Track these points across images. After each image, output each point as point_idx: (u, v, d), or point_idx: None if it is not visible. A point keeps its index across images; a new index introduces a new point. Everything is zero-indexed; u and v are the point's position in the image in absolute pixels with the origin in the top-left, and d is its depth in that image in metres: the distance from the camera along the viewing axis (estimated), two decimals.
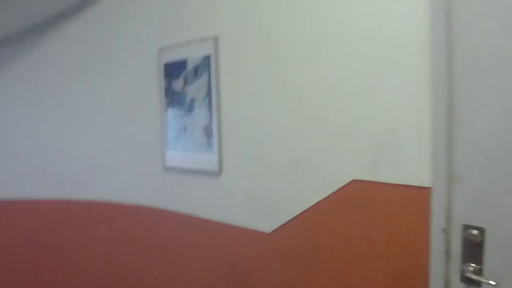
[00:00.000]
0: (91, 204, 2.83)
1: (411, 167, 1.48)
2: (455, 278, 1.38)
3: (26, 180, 2.92)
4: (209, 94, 2.17)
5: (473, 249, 1.34)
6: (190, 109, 2.31)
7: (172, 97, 2.42)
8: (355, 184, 1.64)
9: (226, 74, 2.11)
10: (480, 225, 1.33)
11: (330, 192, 1.71)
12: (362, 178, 1.61)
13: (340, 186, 1.68)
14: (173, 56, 2.38)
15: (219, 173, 2.14)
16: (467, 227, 1.35)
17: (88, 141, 2.83)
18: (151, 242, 2.62)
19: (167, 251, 2.53)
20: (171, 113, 2.42)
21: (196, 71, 2.25)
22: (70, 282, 2.93)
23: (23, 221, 2.95)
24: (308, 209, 1.79)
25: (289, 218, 1.86)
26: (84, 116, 2.84)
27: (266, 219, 1.95)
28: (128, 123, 2.68)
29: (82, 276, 2.90)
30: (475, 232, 1.33)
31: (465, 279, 1.36)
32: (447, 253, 1.39)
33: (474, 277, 1.33)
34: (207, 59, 2.18)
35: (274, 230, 1.92)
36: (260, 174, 1.98)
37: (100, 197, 2.80)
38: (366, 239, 1.60)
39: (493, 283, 1.28)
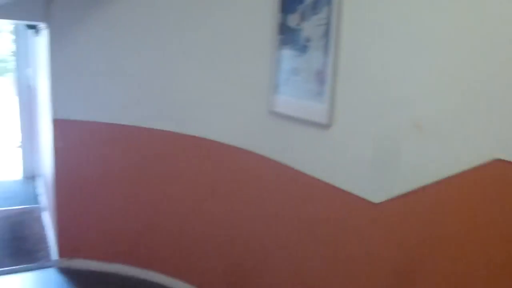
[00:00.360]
0: (195, 140, 2.80)
1: None
2: None
3: (138, 108, 2.97)
4: (327, 33, 1.86)
5: None
6: (303, 49, 2.03)
7: (286, 34, 2.15)
8: (498, 164, 1.25)
9: (350, 10, 1.76)
10: None
11: (463, 170, 1.35)
12: (509, 159, 1.22)
13: (478, 164, 1.30)
14: None
15: (328, 125, 1.88)
16: None
17: (197, 76, 2.74)
18: (249, 186, 2.51)
19: (263, 199, 2.40)
20: (283, 52, 2.17)
21: (315, 5, 1.93)
22: (166, 209, 3.02)
23: (132, 145, 3.06)
24: (430, 185, 1.45)
25: (405, 191, 1.55)
26: (196, 50, 2.73)
27: (376, 187, 1.67)
28: (237, 60, 2.51)
29: (177, 206, 2.96)
30: None
31: None
32: None
33: None
34: None
35: (384, 202, 1.63)
36: (376, 133, 1.66)
37: (204, 134, 2.75)
38: (502, 235, 1.24)
39: None
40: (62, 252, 3.32)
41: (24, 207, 4.47)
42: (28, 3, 2.94)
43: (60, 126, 3.10)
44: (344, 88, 1.79)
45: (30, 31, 3.96)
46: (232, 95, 2.55)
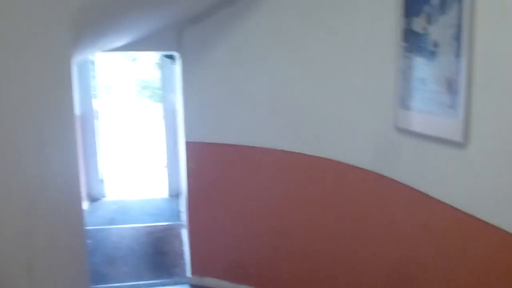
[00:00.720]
0: (320, 160, 2.66)
1: None
2: None
3: (263, 129, 2.96)
4: (458, 35, 1.57)
5: None
6: (431, 56, 1.76)
7: (411, 41, 1.90)
8: None
9: (485, 6, 1.46)
10: None
11: None
12: None
13: None
14: None
15: (464, 144, 1.57)
16: None
17: (318, 92, 2.62)
18: (376, 211, 2.27)
19: (387, 224, 2.14)
20: (408, 61, 1.92)
21: (443, 5, 1.66)
22: (294, 232, 2.90)
23: (259, 166, 3.05)
24: None
25: None
26: (318, 66, 2.62)
27: None
28: (359, 73, 2.32)
29: (300, 225, 2.83)
30: None
31: None
32: None
33: None
34: None
35: None
36: None
37: (328, 155, 2.60)
38: None
39: None
40: (194, 270, 3.46)
41: (167, 224, 4.85)
42: (163, 36, 3.19)
43: (192, 148, 3.27)
44: (481, 98, 1.48)
45: (169, 61, 4.32)
46: (355, 110, 2.37)
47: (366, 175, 2.29)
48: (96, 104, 5.63)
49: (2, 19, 0.96)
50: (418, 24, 1.83)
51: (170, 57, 3.96)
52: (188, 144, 3.27)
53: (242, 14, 2.91)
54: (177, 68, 3.72)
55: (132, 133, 11.87)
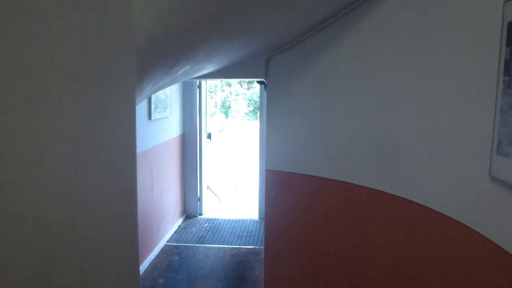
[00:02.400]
0: (400, 201, 2.37)
1: None
2: None
3: (344, 162, 2.76)
4: None
5: None
6: None
7: None
8: None
9: None
10: None
11: None
12: None
13: None
14: None
15: None
16: None
17: (405, 127, 2.34)
18: (455, 264, 1.92)
19: (472, 283, 1.78)
20: (508, 99, 1.60)
21: None
22: (366, 267, 2.61)
23: (333, 199, 2.84)
24: None
25: None
26: (403, 97, 2.35)
27: None
28: (451, 109, 2.01)
29: (378, 269, 2.53)
30: None
31: None
32: None
33: None
34: None
35: None
36: None
37: (411, 196, 2.30)
38: None
39: None
40: None
41: (253, 247, 4.80)
42: (252, 63, 3.19)
43: (272, 176, 3.19)
44: None
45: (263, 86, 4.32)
46: (445, 151, 2.06)
47: (451, 225, 1.96)
48: (202, 124, 5.88)
49: (64, 54, 1.01)
50: None
51: (263, 83, 3.96)
52: (268, 172, 3.20)
53: (328, 43, 2.77)
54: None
55: (238, 152, 12.24)
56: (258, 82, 4.10)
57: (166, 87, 2.74)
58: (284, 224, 3.18)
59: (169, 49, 1.84)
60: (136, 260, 1.70)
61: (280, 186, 3.16)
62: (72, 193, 1.11)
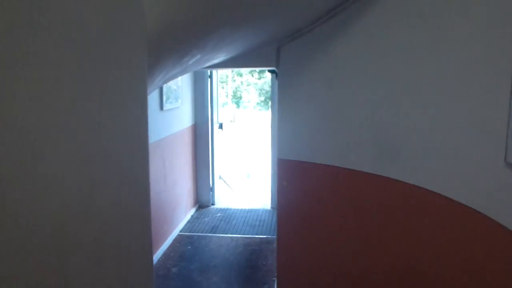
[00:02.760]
0: (413, 188, 2.35)
1: None
2: None
3: (356, 151, 2.74)
4: None
5: None
6: None
7: None
8: None
9: None
10: None
11: None
12: None
13: None
14: None
15: None
16: None
17: (421, 116, 2.31)
18: (469, 251, 1.91)
19: (486, 274, 1.76)
20: None
21: None
22: (379, 255, 2.61)
23: (349, 188, 2.82)
24: None
25: None
26: (419, 84, 2.32)
27: None
28: (468, 96, 1.98)
29: (390, 256, 2.52)
30: None
31: None
32: None
33: None
34: None
35: None
36: None
37: (426, 184, 2.28)
38: None
39: None
40: None
41: (265, 237, 4.82)
42: (263, 52, 3.17)
43: (284, 165, 3.18)
44: None
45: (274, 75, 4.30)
46: (460, 139, 2.03)
47: (467, 212, 1.94)
48: (213, 114, 5.88)
49: (74, 44, 1.01)
50: None
51: (274, 72, 3.94)
52: (280, 161, 3.19)
53: (340, 30, 2.74)
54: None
55: (250, 142, 12.24)
56: (269, 71, 4.08)
57: (177, 77, 2.75)
58: (297, 213, 3.18)
59: (180, 38, 1.83)
60: (149, 250, 1.72)
61: (292, 175, 3.16)
62: (84, 184, 1.12)
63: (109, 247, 1.29)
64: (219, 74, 6.30)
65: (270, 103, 5.96)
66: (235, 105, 20.65)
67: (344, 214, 2.90)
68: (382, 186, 2.62)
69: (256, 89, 20.88)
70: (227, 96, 19.68)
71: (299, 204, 3.16)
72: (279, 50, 3.07)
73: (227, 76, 19.43)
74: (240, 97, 21.14)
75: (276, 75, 3.84)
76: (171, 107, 4.56)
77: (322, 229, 3.05)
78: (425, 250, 2.34)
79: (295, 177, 3.15)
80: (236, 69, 15.00)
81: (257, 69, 4.09)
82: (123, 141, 1.42)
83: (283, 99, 3.13)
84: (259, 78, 20.50)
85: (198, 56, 2.27)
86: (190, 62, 2.28)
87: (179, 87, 4.84)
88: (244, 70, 18.73)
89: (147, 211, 1.69)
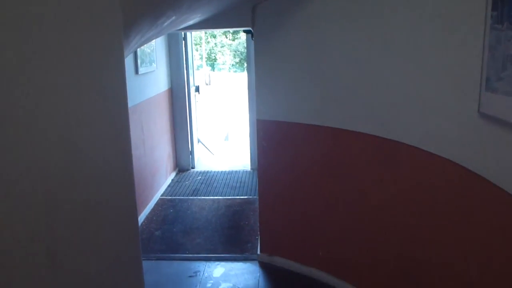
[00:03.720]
0: (392, 143, 2.42)
1: None
2: None
3: (334, 109, 2.78)
4: None
5: None
6: None
7: (503, 9, 1.58)
8: None
9: None
10: None
11: None
12: None
13: None
14: None
15: None
16: None
17: (394, 70, 2.35)
18: (445, 202, 2.01)
19: (462, 222, 1.87)
20: (498, 34, 1.60)
21: None
22: (362, 217, 2.72)
23: (329, 147, 2.88)
24: None
25: None
26: (391, 39, 2.34)
27: None
28: (439, 48, 2.02)
29: (370, 210, 2.63)
30: None
31: None
32: None
33: None
34: None
35: None
36: None
37: (402, 138, 2.35)
38: None
39: None
40: (264, 248, 3.45)
41: (246, 197, 4.91)
42: (236, 12, 3.11)
43: (263, 126, 3.20)
44: None
45: (249, 36, 4.24)
46: (434, 91, 2.08)
47: (442, 163, 2.02)
48: (189, 77, 5.80)
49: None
50: None
51: (250, 32, 3.88)
52: (259, 122, 3.21)
53: None
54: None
55: (227, 105, 12.18)
56: (244, 31, 4.02)
57: (153, 39, 2.68)
58: (277, 173, 3.24)
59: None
60: (134, 212, 1.74)
61: (271, 136, 3.19)
62: (68, 147, 1.12)
63: (95, 208, 1.31)
64: (193, 36, 6.17)
65: (246, 64, 5.90)
66: (210, 68, 20.35)
67: (324, 171, 2.97)
68: (360, 142, 2.68)
69: (230, 51, 20.58)
70: (201, 58, 19.34)
71: (279, 164, 3.21)
72: (255, 9, 3.02)
73: (200, 38, 19.02)
74: (215, 59, 20.82)
75: (252, 36, 3.79)
76: (146, 71, 4.48)
77: (302, 187, 3.13)
78: (402, 202, 2.43)
79: (274, 137, 3.18)
80: (210, 31, 14.69)
81: (232, 29, 4.01)
82: (103, 104, 1.41)
83: (260, 59, 3.11)
84: (233, 39, 20.17)
85: (173, 18, 2.22)
86: (166, 24, 2.23)
87: (153, 51, 4.74)
88: (218, 32, 18.35)
89: (131, 175, 1.70)
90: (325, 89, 2.81)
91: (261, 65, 3.11)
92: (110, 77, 1.46)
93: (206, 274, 3.32)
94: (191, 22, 2.89)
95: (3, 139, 0.83)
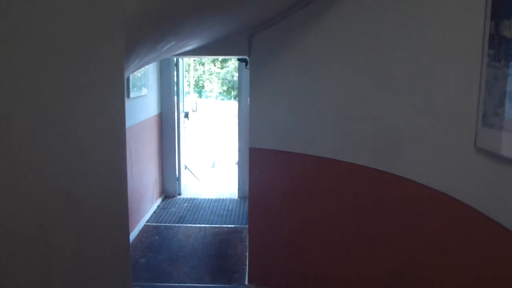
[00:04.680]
0: (388, 176, 2.42)
1: None
2: None
3: (329, 139, 2.79)
4: None
5: None
6: None
7: (499, 47, 1.63)
8: None
9: None
10: None
11: None
12: None
13: None
14: None
15: None
16: None
17: (392, 103, 2.38)
18: (443, 235, 2.00)
19: (461, 255, 1.86)
20: (495, 71, 1.65)
21: None
22: (352, 242, 2.69)
23: (318, 175, 2.88)
24: None
25: None
26: (388, 72, 2.39)
27: None
28: (433, 83, 2.06)
29: (364, 243, 2.60)
30: None
31: None
32: None
33: None
34: None
35: None
36: None
37: (399, 171, 2.35)
38: None
39: None
40: (252, 278, 3.38)
41: (233, 226, 4.83)
42: (234, 40, 3.14)
43: (257, 154, 3.18)
44: None
45: (243, 64, 4.29)
46: (431, 125, 2.11)
47: (440, 197, 2.02)
48: (179, 103, 5.79)
49: (52, 25, 0.97)
50: (508, 29, 1.55)
51: (244, 60, 3.92)
52: (252, 150, 3.19)
53: (314, 18, 2.76)
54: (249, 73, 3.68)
55: (214, 132, 12.17)
56: (238, 59, 4.06)
57: (150, 63, 2.69)
58: (269, 202, 3.21)
59: (157, 24, 1.79)
60: (127, 237, 1.69)
61: (264, 164, 3.17)
62: (65, 172, 1.09)
63: (89, 233, 1.27)
64: (186, 64, 6.21)
65: (237, 92, 5.93)
66: (197, 95, 20.43)
67: (316, 201, 2.95)
68: (354, 173, 2.68)
69: (218, 79, 20.73)
70: (189, 85, 19.43)
71: (271, 192, 3.19)
72: (251, 38, 3.06)
73: (189, 65, 19.16)
74: (203, 87, 20.93)
75: (246, 64, 3.83)
76: (137, 95, 4.46)
77: (293, 216, 3.10)
78: (396, 234, 2.42)
79: (267, 165, 3.17)
80: (200, 58, 14.81)
81: (226, 57, 4.05)
82: (102, 129, 1.38)
83: (255, 87, 3.13)
84: (222, 68, 20.36)
85: (173, 43, 2.23)
86: (165, 49, 2.24)
87: (144, 75, 4.74)
88: (207, 59, 18.54)
89: (125, 196, 1.66)
90: (320, 120, 2.83)
91: (256, 93, 3.12)
92: (110, 103, 1.45)
93: None
94: (188, 48, 2.91)
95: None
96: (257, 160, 3.20)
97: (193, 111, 16.95)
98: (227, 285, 3.50)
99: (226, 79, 20.21)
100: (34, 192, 0.92)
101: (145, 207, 4.99)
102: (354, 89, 2.62)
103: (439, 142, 2.03)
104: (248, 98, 3.26)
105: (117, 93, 1.53)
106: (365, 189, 2.64)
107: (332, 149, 2.78)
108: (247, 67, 3.47)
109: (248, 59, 3.21)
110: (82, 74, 1.17)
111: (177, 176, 5.92)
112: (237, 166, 5.93)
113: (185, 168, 6.31)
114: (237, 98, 6.20)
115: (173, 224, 4.85)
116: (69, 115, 1.10)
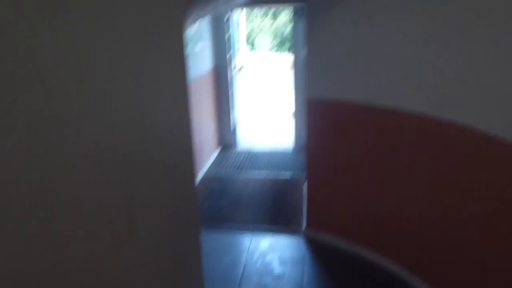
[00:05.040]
0: (451, 127, 2.39)
1: None
2: None
3: (386, 88, 2.75)
4: None
5: None
6: None
7: None
8: None
9: None
10: None
11: None
12: None
13: None
14: None
15: None
16: None
17: (456, 52, 2.30)
18: (502, 187, 1.98)
19: None
20: None
21: None
22: (412, 199, 2.71)
23: (383, 126, 2.87)
24: None
25: None
26: (455, 21, 2.29)
27: None
28: (496, 31, 1.97)
29: (421, 194, 2.62)
30: None
31: None
32: None
33: None
34: None
35: None
36: None
37: (462, 120, 2.31)
38: None
39: None
40: (310, 223, 3.51)
41: (290, 176, 4.96)
42: None
43: (313, 104, 3.21)
44: None
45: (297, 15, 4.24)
46: (496, 73, 2.04)
47: (498, 144, 1.99)
48: (234, 57, 5.86)
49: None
50: None
51: (298, 12, 3.88)
52: (310, 100, 3.22)
53: None
54: (304, 22, 3.64)
55: (269, 85, 12.18)
56: (294, 10, 4.01)
57: (206, 15, 2.75)
58: (325, 151, 3.26)
59: None
60: (193, 180, 1.83)
61: (321, 114, 3.20)
62: (142, 119, 1.19)
63: (162, 173, 1.39)
64: (240, 18, 6.20)
65: (290, 44, 5.87)
66: (250, 48, 20.32)
67: (375, 149, 2.97)
68: (414, 123, 2.65)
69: (271, 31, 20.41)
70: (240, 41, 19.33)
71: (329, 142, 3.23)
72: None
73: (239, 22, 18.98)
74: (254, 41, 20.75)
75: (300, 15, 3.79)
76: (192, 50, 4.57)
77: (351, 165, 3.14)
78: (455, 183, 2.41)
79: (325, 115, 3.20)
80: (256, 9, 14.65)
81: (285, 5, 3.98)
82: (169, 77, 1.48)
83: (313, 37, 3.10)
84: (274, 20, 19.98)
85: None
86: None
87: (198, 31, 4.82)
88: (257, 15, 18.27)
89: (190, 144, 1.79)
90: (382, 69, 2.79)
91: (314, 42, 3.09)
92: (173, 52, 1.53)
93: (253, 245, 3.43)
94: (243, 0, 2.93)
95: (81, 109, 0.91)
96: (314, 110, 3.23)
97: (247, 64, 16.96)
98: (285, 228, 3.67)
99: (279, 32, 19.86)
100: (120, 136, 1.04)
101: (204, 158, 5.23)
102: (418, 37, 2.53)
103: (501, 89, 1.97)
104: (303, 50, 3.24)
105: (179, 47, 1.61)
106: (426, 140, 2.62)
107: (391, 98, 2.76)
108: (300, 18, 3.44)
109: (302, 9, 3.17)
110: (144, 31, 1.25)
111: (233, 128, 6.09)
112: (293, 118, 5.97)
113: (242, 120, 6.45)
114: (291, 49, 6.15)
115: (231, 174, 5.07)
116: (138, 71, 1.18)
